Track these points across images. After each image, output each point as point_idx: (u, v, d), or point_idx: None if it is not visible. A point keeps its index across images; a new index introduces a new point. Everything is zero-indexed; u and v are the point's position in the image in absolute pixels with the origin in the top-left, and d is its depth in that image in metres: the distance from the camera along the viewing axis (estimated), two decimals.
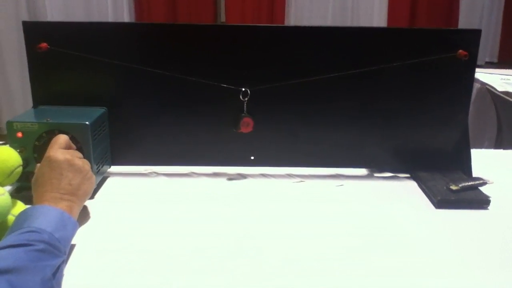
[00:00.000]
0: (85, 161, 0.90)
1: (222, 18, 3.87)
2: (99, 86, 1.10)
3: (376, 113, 1.13)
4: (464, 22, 4.08)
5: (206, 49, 1.08)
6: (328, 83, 1.10)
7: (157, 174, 1.15)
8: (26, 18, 3.51)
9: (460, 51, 1.08)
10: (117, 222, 0.92)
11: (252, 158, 1.16)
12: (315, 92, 1.11)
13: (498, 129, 2.10)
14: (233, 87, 1.09)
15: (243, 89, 1.09)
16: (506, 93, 2.12)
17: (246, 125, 1.10)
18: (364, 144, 1.16)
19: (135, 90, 1.10)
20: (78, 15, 3.58)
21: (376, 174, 1.18)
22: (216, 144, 1.14)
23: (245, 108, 1.10)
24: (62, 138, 0.90)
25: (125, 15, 3.52)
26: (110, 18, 3.45)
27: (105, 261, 0.78)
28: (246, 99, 1.10)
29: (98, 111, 1.07)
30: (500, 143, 2.09)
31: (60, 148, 0.84)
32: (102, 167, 1.07)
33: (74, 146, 0.94)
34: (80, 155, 0.91)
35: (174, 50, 1.07)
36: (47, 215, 0.75)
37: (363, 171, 1.19)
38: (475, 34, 1.11)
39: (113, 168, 1.14)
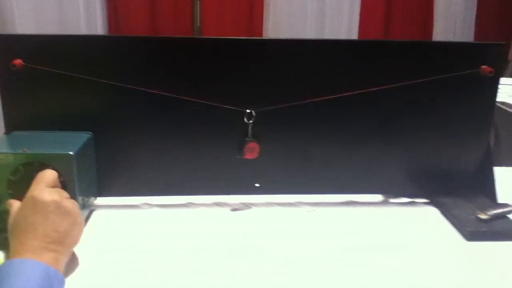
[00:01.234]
0: (74, 202, 0.77)
1: (198, 23, 3.73)
2: (83, 108, 0.96)
3: (392, 133, 1.03)
4: (440, 30, 4.05)
5: (204, 65, 0.95)
6: (341, 102, 0.99)
7: (151, 205, 1.02)
8: None
9: (485, 67, 0.99)
10: (106, 263, 0.78)
11: (257, 185, 1.04)
12: (327, 112, 1.00)
13: (495, 143, 2.03)
14: (236, 108, 0.97)
15: (248, 111, 0.97)
16: (503, 103, 2.06)
17: (251, 150, 0.98)
18: (380, 167, 1.05)
19: (124, 111, 0.97)
20: (50, 27, 3.37)
21: (392, 200, 1.08)
22: (217, 171, 1.02)
23: (249, 132, 0.98)
24: (50, 175, 0.77)
25: (99, 24, 3.34)
26: (82, 26, 3.26)
27: None
28: (251, 121, 0.98)
29: (82, 136, 0.93)
30: (498, 157, 2.02)
31: (47, 187, 0.71)
32: (87, 201, 0.93)
33: (59, 184, 0.81)
34: (67, 194, 0.78)
35: (168, 67, 0.95)
36: (30, 273, 0.62)
37: (378, 197, 1.09)
38: (497, 48, 1.02)
39: (100, 200, 1.00)
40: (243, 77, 0.97)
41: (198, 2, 3.64)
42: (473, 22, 4.23)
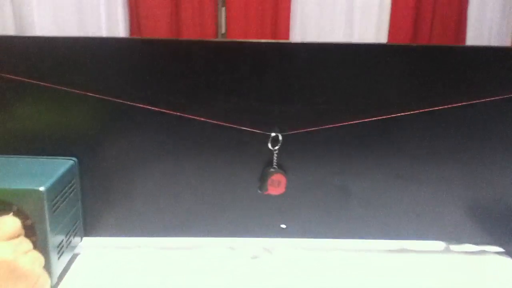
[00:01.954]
0: (36, 257, 0.59)
1: (223, 30, 3.53)
2: (65, 127, 0.77)
3: (455, 164, 0.80)
4: (473, 36, 3.74)
5: (216, 74, 0.74)
6: (390, 124, 0.76)
7: (150, 249, 0.81)
8: (13, 31, 3.18)
9: None
10: None
11: (283, 226, 0.82)
12: (372, 137, 0.78)
13: None
14: (258, 131, 0.76)
15: (273, 134, 0.75)
16: None
17: (277, 184, 0.77)
18: (439, 208, 0.82)
19: (118, 132, 0.77)
20: (69, 27, 3.25)
21: (455, 248, 0.84)
22: (233, 208, 0.81)
23: (274, 160, 0.77)
24: (8, 226, 0.58)
25: (120, 30, 3.19)
26: (104, 30, 3.11)
27: None
28: (277, 147, 0.76)
29: (62, 164, 0.73)
30: None
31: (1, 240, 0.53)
32: (68, 243, 0.73)
33: (22, 231, 0.61)
34: (29, 246, 0.58)
35: (172, 77, 0.74)
36: None
37: (437, 245, 0.85)
38: None
39: (87, 241, 0.80)
40: (267, 91, 0.75)
41: (223, 9, 3.46)
42: (510, 30, 3.91)
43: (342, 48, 0.75)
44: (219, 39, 0.68)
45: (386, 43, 0.74)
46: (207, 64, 0.74)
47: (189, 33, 3.36)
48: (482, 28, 3.80)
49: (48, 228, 0.66)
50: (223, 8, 3.50)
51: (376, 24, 3.57)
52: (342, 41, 0.74)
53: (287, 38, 3.44)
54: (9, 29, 3.12)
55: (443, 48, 0.77)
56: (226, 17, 3.46)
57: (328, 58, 0.75)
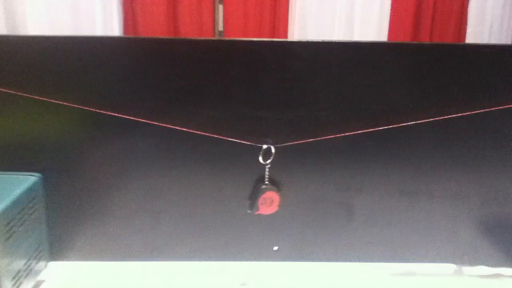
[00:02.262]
0: None
1: (220, 27, 3.42)
2: (28, 138, 0.67)
3: (469, 178, 0.71)
4: (473, 34, 3.66)
5: (201, 78, 0.64)
6: (397, 133, 0.67)
7: (127, 275, 0.72)
8: (4, 30, 3.04)
9: None
10: None
11: (276, 248, 0.72)
12: (377, 148, 0.68)
13: None
14: (248, 142, 0.66)
15: (265, 146, 0.66)
16: None
17: (269, 202, 0.67)
18: (450, 228, 0.73)
19: (91, 145, 0.67)
20: (64, 29, 3.11)
21: (467, 271, 0.76)
22: (220, 229, 0.71)
23: (266, 176, 0.67)
24: None
25: (115, 29, 3.07)
26: (98, 31, 2.98)
27: None
28: (269, 161, 0.67)
29: (22, 181, 0.64)
30: None
31: None
32: (29, 270, 0.64)
33: None
34: None
35: (151, 81, 0.65)
36: None
37: (448, 268, 0.76)
38: None
39: (53, 267, 0.71)
40: (258, 95, 0.66)
41: (221, 6, 3.34)
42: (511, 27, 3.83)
43: (345, 46, 0.66)
44: (203, 37, 0.61)
45: (394, 41, 0.65)
46: (189, 66, 0.65)
47: (187, 31, 3.24)
48: (483, 25, 3.72)
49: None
50: (221, 6, 3.39)
51: (376, 22, 3.47)
52: (343, 39, 0.64)
53: (286, 36, 3.34)
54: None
55: (454, 47, 0.68)
56: (224, 15, 3.35)
57: (329, 58, 0.66)
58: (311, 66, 0.66)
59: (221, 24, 3.34)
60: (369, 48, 0.66)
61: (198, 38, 0.63)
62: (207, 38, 0.59)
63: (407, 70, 0.66)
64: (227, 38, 0.63)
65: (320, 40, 0.65)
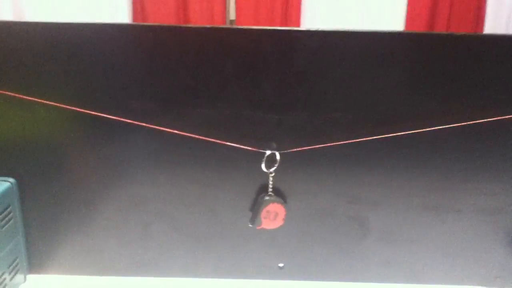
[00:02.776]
0: None
1: (232, 16, 3.31)
2: (2, 139, 0.59)
3: (500, 191, 0.62)
4: (491, 25, 3.50)
5: (197, 74, 0.56)
6: (418, 139, 0.58)
7: None
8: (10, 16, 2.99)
9: None
10: None
11: (281, 266, 0.64)
12: (395, 155, 0.59)
13: None
14: (250, 148, 0.58)
15: (268, 152, 0.58)
16: None
17: (273, 216, 0.59)
18: (478, 246, 0.64)
19: (72, 147, 0.59)
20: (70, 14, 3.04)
21: None
22: (218, 243, 0.63)
23: (270, 185, 0.59)
24: None
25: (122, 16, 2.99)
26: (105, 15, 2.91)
27: None
28: (273, 169, 0.58)
29: None
30: None
31: None
32: (4, 285, 0.57)
33: None
34: None
35: (141, 76, 0.56)
36: None
37: None
38: None
39: (32, 280, 0.63)
40: (262, 94, 0.57)
41: None
42: None
43: (359, 36, 0.57)
44: (198, 25, 0.55)
45: (420, 31, 0.56)
46: (184, 59, 0.56)
47: (197, 20, 3.15)
48: (500, 16, 3.56)
49: None
50: None
51: (392, 11, 3.34)
52: (358, 29, 0.55)
53: (299, 25, 3.23)
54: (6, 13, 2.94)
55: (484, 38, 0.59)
56: (236, 3, 3.25)
57: (345, 50, 0.56)
58: (323, 59, 0.57)
59: (232, 13, 3.23)
60: (391, 39, 0.56)
61: (191, 25, 0.55)
62: (201, 26, 0.52)
63: (435, 65, 0.57)
64: (223, 26, 0.54)
65: (334, 29, 0.56)
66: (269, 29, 0.55)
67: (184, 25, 0.57)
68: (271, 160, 0.59)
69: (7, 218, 0.58)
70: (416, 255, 0.66)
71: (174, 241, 0.64)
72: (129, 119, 0.59)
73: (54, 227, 0.63)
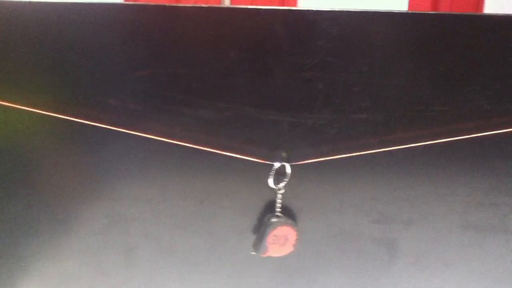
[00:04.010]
0: None
1: (227, 2, 3.16)
2: None
3: None
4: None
5: (188, 66, 0.44)
6: (465, 145, 0.47)
7: None
8: None
9: None
10: None
11: None
12: (433, 166, 0.49)
13: None
14: (254, 159, 0.47)
15: (277, 164, 0.46)
16: None
17: (282, 241, 0.48)
18: None
19: (39, 155, 0.49)
20: None
21: None
22: (216, 272, 0.52)
23: (278, 204, 0.48)
24: None
25: None
26: None
27: None
28: (282, 184, 0.47)
29: None
30: None
31: None
32: None
33: None
34: None
35: (120, 68, 0.45)
36: None
37: None
38: None
39: None
40: (268, 91, 0.46)
41: None
42: None
43: (395, 18, 0.45)
44: (192, 4, 0.45)
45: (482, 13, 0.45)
46: (174, 47, 0.45)
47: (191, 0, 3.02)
48: None
49: None
50: None
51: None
52: (393, 10, 0.43)
53: (295, 4, 3.07)
54: None
55: None
56: None
57: (371, 35, 0.45)
58: (347, 46, 0.45)
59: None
60: (443, 20, 0.44)
61: (173, 4, 0.43)
62: (186, 5, 0.41)
63: (503, 53, 0.45)
64: (215, 6, 0.44)
65: (362, 10, 0.44)
66: (280, 9, 0.44)
67: (174, 4, 0.45)
68: (280, 174, 0.48)
69: None
70: (454, 282, 0.55)
71: (163, 269, 0.53)
72: (106, 123, 0.47)
73: (18, 252, 0.52)
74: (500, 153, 0.49)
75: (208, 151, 0.47)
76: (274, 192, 0.49)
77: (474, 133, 0.48)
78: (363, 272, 0.54)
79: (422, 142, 0.49)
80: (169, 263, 0.53)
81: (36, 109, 0.47)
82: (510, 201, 0.51)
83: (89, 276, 0.53)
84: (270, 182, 0.48)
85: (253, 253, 0.50)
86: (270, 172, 0.48)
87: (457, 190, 0.51)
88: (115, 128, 0.46)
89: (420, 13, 0.44)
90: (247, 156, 0.47)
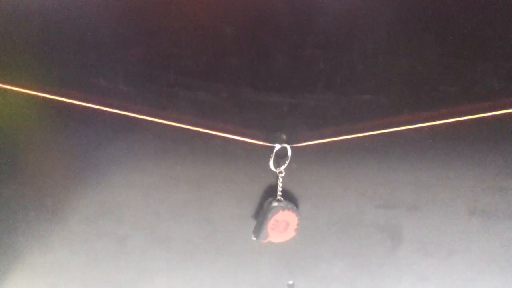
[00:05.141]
0: None
1: None
2: None
3: None
4: None
5: (183, 45, 0.42)
6: (472, 127, 0.45)
7: None
8: None
9: None
10: None
11: (291, 283, 0.52)
12: (439, 148, 0.47)
13: None
14: (254, 140, 0.45)
15: (278, 146, 0.44)
16: None
17: (283, 226, 0.46)
18: None
19: (26, 139, 0.47)
20: None
21: None
22: (214, 260, 0.50)
23: (279, 188, 0.46)
24: None
25: None
26: None
27: None
28: (283, 167, 0.45)
29: None
30: None
31: None
32: None
33: None
34: None
35: (115, 48, 0.43)
36: None
37: None
38: None
39: None
40: (268, 70, 0.43)
41: None
42: None
43: None
44: None
45: None
46: (167, 23, 0.42)
47: None
48: None
49: None
50: None
51: None
52: None
53: None
54: None
55: None
56: None
57: (375, 10, 0.42)
58: (350, 23, 0.43)
59: None
60: None
61: None
62: None
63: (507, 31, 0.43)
64: None
65: None
66: None
67: None
68: (281, 156, 0.46)
69: None
70: (459, 269, 0.53)
71: (157, 258, 0.51)
72: (96, 105, 0.45)
73: (4, 241, 0.50)
74: (509, 134, 0.47)
75: (205, 133, 0.45)
76: (274, 175, 0.47)
77: (482, 114, 0.46)
78: (366, 259, 0.52)
79: (428, 123, 0.46)
80: (164, 252, 0.51)
81: (22, 89, 0.45)
82: None
83: (80, 266, 0.51)
84: (271, 164, 0.46)
85: (254, 239, 0.48)
86: (271, 154, 0.46)
87: (464, 174, 0.49)
88: (106, 109, 0.44)
89: None
90: (246, 138, 0.45)
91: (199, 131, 0.45)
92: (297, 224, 0.48)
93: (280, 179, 0.47)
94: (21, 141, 0.47)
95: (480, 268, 0.53)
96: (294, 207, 0.47)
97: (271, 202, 0.47)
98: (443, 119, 0.46)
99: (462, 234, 0.52)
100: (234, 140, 0.46)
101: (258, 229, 0.47)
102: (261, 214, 0.47)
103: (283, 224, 0.47)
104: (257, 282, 0.53)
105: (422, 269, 0.53)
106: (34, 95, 0.44)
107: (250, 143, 0.46)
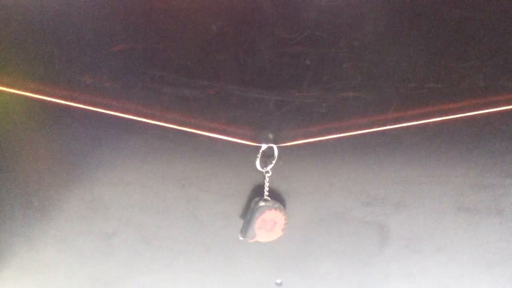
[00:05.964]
0: None
1: None
2: None
3: None
4: None
5: (174, 45, 0.41)
6: (461, 125, 0.45)
7: None
8: None
9: None
10: None
11: (279, 282, 0.52)
12: (427, 145, 0.47)
13: None
14: (240, 140, 0.44)
15: (264, 146, 0.44)
16: None
17: (270, 226, 0.46)
18: None
19: (11, 135, 0.45)
20: None
21: None
22: (201, 258, 0.50)
23: (266, 187, 0.46)
24: None
25: None
26: None
27: None
28: (270, 167, 0.45)
29: None
30: None
31: None
32: None
33: None
34: None
35: (99, 43, 0.42)
36: None
37: None
38: None
39: None
40: (254, 65, 0.43)
41: None
42: None
43: None
44: None
45: None
46: (150, 17, 0.41)
47: None
48: None
49: None
50: None
51: None
52: None
53: None
54: None
55: None
56: None
57: (361, 7, 0.42)
58: (336, 19, 0.42)
59: None
60: None
61: None
62: None
63: (491, 26, 0.43)
64: None
65: None
66: None
67: None
68: (267, 156, 0.46)
69: None
70: (446, 266, 0.53)
71: (145, 256, 0.51)
72: (81, 103, 0.44)
73: None
74: (496, 132, 0.47)
75: (190, 132, 0.45)
76: (261, 175, 0.47)
77: (468, 112, 0.46)
78: (353, 256, 0.52)
79: (415, 121, 0.46)
80: (152, 250, 0.51)
81: (8, 88, 0.44)
82: (505, 182, 0.49)
83: (67, 264, 0.51)
84: (257, 164, 0.45)
85: (241, 238, 0.48)
86: (257, 154, 0.45)
87: (450, 171, 0.49)
88: (91, 108, 0.43)
89: None
90: (232, 137, 0.45)
91: (185, 130, 0.45)
92: (285, 224, 0.48)
93: (267, 178, 0.46)
94: (6, 140, 0.46)
95: (466, 263, 0.53)
96: (281, 207, 0.47)
97: (258, 202, 0.47)
98: (430, 117, 0.46)
99: (449, 230, 0.52)
100: (220, 139, 0.45)
101: (245, 229, 0.47)
102: (248, 213, 0.47)
103: (270, 223, 0.47)
104: (245, 280, 0.53)
105: (410, 265, 0.53)
106: (21, 95, 0.43)
107: (236, 142, 0.45)
